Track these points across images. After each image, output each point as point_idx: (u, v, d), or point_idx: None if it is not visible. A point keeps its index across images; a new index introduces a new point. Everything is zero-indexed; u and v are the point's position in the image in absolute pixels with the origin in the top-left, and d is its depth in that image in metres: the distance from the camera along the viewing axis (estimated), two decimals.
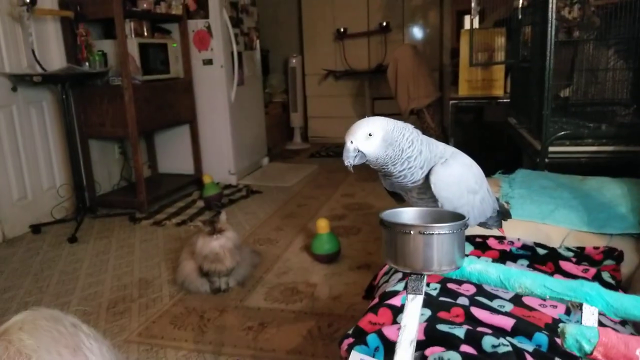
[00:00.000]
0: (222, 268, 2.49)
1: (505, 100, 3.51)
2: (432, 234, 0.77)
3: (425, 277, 0.81)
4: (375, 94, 6.23)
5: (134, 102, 3.66)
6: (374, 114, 5.56)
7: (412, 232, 0.78)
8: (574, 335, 0.70)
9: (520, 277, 0.84)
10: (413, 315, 0.79)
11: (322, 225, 2.79)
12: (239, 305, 2.41)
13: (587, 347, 0.69)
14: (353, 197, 4.03)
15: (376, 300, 1.26)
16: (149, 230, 3.51)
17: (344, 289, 2.51)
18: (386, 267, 1.53)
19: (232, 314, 2.34)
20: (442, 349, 0.95)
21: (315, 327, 2.17)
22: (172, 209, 3.91)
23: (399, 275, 1.36)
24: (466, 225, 0.81)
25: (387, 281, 1.42)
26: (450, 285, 1.24)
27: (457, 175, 1.06)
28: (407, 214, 0.89)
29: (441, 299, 1.18)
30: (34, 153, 3.65)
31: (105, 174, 4.22)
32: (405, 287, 0.82)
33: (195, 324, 2.24)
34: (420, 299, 0.80)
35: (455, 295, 1.20)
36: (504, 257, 1.51)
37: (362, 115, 1.76)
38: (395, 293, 1.20)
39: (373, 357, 0.99)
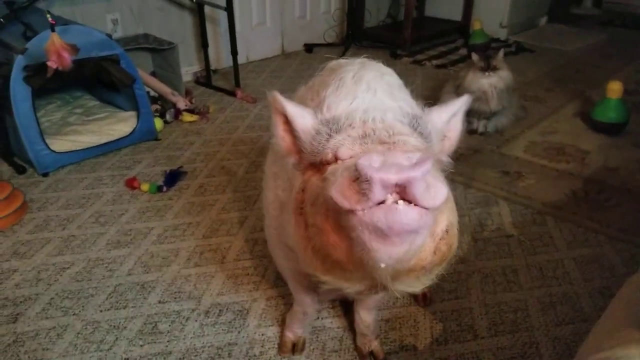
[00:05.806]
0: (486, 109, 2.33)
1: None
2: None
3: None
4: None
5: None
6: None
7: None
8: None
9: None
10: None
11: (615, 89, 2.34)
12: (495, 150, 2.26)
13: None
14: None
15: None
16: (408, 67, 3.47)
17: (623, 164, 2.12)
18: None
19: (486, 155, 2.21)
20: None
21: (581, 190, 1.91)
22: (433, 52, 3.77)
23: None
24: None
25: None
26: None
27: None
28: None
29: None
30: None
31: (374, 8, 4.22)
32: None
33: None
34: None
35: None
36: None
37: None
38: None
39: None
